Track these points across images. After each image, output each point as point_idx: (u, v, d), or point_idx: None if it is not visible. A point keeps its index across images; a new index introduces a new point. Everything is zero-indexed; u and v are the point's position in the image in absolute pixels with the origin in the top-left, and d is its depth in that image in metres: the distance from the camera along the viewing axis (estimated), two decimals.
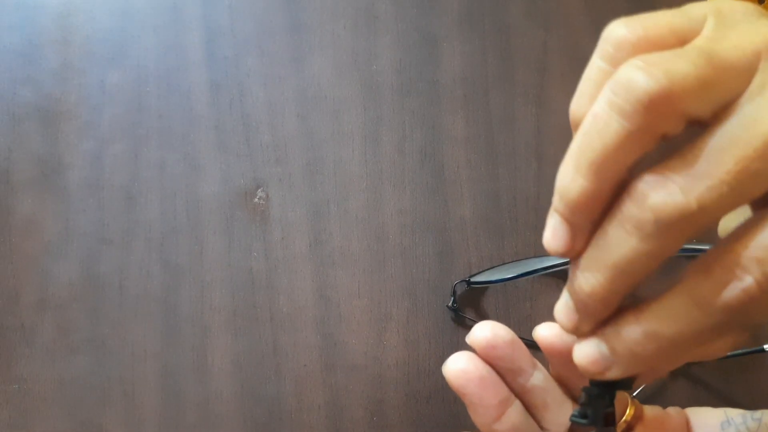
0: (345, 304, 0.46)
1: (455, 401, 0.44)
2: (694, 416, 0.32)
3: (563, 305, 0.23)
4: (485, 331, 0.31)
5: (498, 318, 0.46)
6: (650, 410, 0.33)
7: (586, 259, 0.22)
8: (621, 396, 0.33)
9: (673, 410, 0.33)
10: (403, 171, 0.48)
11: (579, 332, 0.23)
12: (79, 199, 0.48)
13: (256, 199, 0.48)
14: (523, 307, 0.47)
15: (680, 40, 0.21)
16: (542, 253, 0.44)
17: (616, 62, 0.21)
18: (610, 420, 0.25)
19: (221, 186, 0.48)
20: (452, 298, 0.45)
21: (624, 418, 0.32)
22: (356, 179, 0.48)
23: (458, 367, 0.30)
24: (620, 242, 0.20)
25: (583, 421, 0.24)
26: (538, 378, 0.32)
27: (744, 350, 0.43)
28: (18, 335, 0.46)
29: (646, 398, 0.44)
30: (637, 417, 0.32)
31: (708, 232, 0.23)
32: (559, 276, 0.47)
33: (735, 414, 0.31)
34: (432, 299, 0.46)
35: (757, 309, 0.19)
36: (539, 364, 0.32)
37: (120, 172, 0.48)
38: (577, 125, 0.21)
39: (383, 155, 0.48)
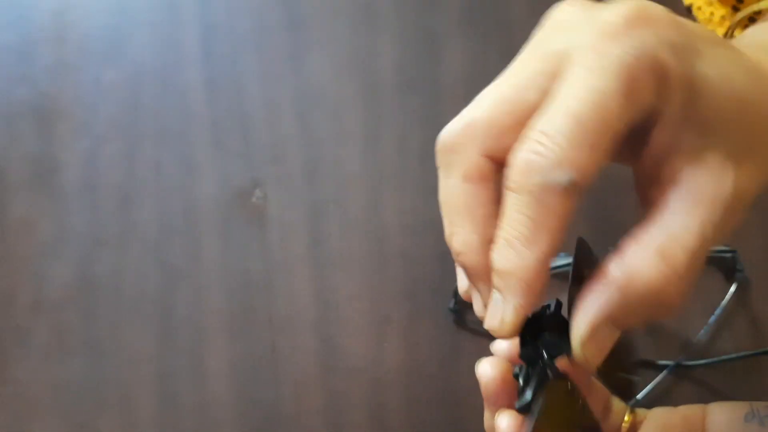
0: (344, 306, 0.45)
1: (456, 405, 0.44)
2: (715, 411, 0.32)
3: (488, 309, 0.24)
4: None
5: None
6: (656, 411, 0.32)
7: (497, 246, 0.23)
8: (619, 405, 0.32)
9: (685, 408, 0.32)
10: (404, 171, 0.48)
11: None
12: (74, 200, 0.48)
13: (254, 200, 0.47)
14: None
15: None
16: None
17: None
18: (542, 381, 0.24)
19: (218, 186, 0.48)
20: (453, 300, 0.45)
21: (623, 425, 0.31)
22: (356, 179, 0.47)
23: (494, 374, 0.29)
24: (443, 186, 0.24)
25: (525, 401, 0.24)
26: None
27: (748, 352, 0.43)
28: (13, 337, 0.46)
29: (651, 402, 0.43)
30: (636, 424, 0.32)
31: None
32: (560, 277, 0.46)
33: (761, 406, 0.31)
34: (433, 301, 0.45)
35: (543, 164, 0.21)
36: None
37: (115, 171, 0.48)
38: None
39: (383, 155, 0.48)
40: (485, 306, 0.23)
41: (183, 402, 0.44)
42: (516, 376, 0.25)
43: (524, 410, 0.24)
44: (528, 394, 0.24)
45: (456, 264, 0.25)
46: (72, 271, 0.46)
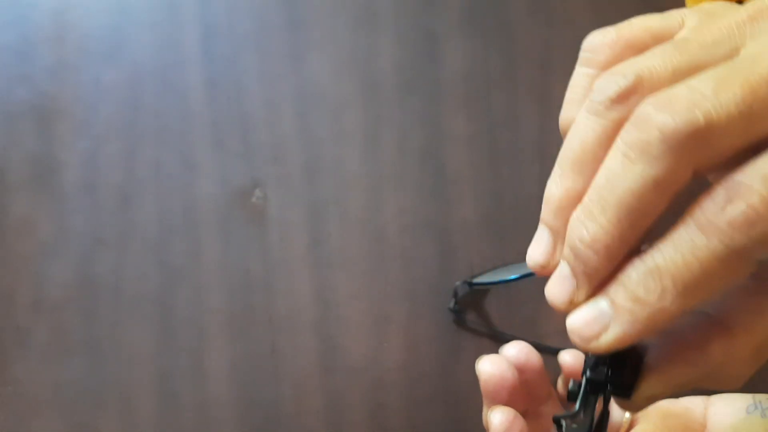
0: (344, 306, 0.45)
1: (456, 405, 0.44)
2: (717, 402, 0.32)
3: (557, 275, 0.21)
4: (520, 354, 0.31)
5: (500, 320, 0.45)
6: (657, 403, 0.32)
7: (584, 206, 0.20)
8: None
9: (686, 399, 0.32)
10: (404, 171, 0.47)
11: (575, 303, 0.21)
12: (74, 199, 0.47)
13: (254, 199, 0.47)
14: (526, 308, 0.46)
15: (657, 39, 0.21)
16: None
17: (598, 65, 0.22)
18: (598, 427, 0.22)
19: (218, 186, 0.47)
20: (453, 300, 0.44)
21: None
22: (356, 179, 0.47)
23: (494, 371, 0.29)
24: (624, 173, 0.19)
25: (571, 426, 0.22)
26: (549, 406, 0.32)
27: None
28: (13, 337, 0.45)
29: None
30: (637, 417, 0.32)
31: None
32: None
33: (764, 398, 0.31)
34: (433, 301, 0.45)
35: (765, 230, 0.17)
36: (554, 393, 0.33)
37: (115, 171, 0.48)
38: (567, 133, 0.22)
39: (383, 155, 0.48)
40: (571, 298, 0.21)
41: (183, 401, 0.44)
42: (572, 394, 0.23)
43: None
44: (584, 425, 0.22)
45: (544, 223, 0.22)
46: (72, 271, 0.46)
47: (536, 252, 0.23)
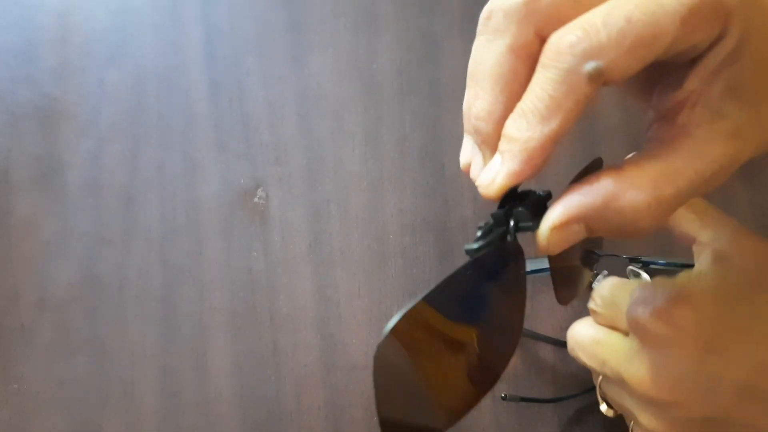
0: (345, 304, 0.45)
1: None
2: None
3: (474, 158, 0.25)
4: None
5: None
6: None
7: (467, 90, 0.24)
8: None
9: None
10: (404, 171, 0.48)
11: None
12: (78, 199, 0.47)
13: (256, 199, 0.47)
14: (525, 307, 0.46)
15: None
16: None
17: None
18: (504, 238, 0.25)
19: (221, 186, 0.48)
20: None
21: None
22: (356, 179, 0.47)
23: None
24: (485, 50, 0.24)
25: (471, 248, 0.25)
26: None
27: None
28: (17, 335, 0.46)
29: None
30: None
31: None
32: (543, 281, 0.46)
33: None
34: None
35: (585, 48, 0.21)
36: None
37: (119, 171, 0.48)
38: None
39: (383, 155, 0.48)
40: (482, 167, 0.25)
41: (186, 399, 0.44)
42: (478, 228, 0.26)
43: (468, 254, 0.25)
44: (476, 243, 0.25)
45: (466, 132, 0.26)
46: (76, 270, 0.46)
47: (463, 156, 0.26)
